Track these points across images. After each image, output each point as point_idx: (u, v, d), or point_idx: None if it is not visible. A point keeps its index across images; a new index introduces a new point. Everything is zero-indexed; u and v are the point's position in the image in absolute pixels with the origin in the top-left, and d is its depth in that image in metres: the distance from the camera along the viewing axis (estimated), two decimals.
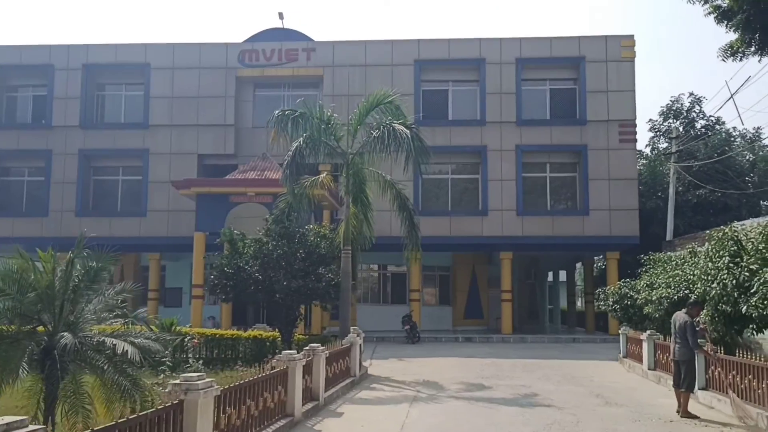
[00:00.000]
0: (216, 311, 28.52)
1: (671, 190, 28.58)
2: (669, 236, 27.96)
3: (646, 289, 16.63)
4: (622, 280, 20.15)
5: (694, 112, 34.99)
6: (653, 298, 15.32)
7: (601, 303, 20.62)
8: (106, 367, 7.12)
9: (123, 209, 31.01)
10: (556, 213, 29.52)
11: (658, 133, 36.26)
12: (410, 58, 30.11)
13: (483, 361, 19.33)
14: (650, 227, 30.14)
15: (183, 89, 30.63)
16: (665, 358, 14.87)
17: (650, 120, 36.48)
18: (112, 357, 7.27)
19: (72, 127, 30.61)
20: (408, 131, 15.73)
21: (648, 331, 15.88)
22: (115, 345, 7.10)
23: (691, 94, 35.24)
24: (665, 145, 36.54)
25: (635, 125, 29.69)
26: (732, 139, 34.03)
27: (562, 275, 42.72)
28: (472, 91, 30.89)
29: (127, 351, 6.93)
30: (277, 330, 17.59)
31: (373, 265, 32.85)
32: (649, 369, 15.61)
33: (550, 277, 43.14)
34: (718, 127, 33.89)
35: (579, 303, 41.21)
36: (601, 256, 35.30)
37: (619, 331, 19.38)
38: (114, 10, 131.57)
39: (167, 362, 11.19)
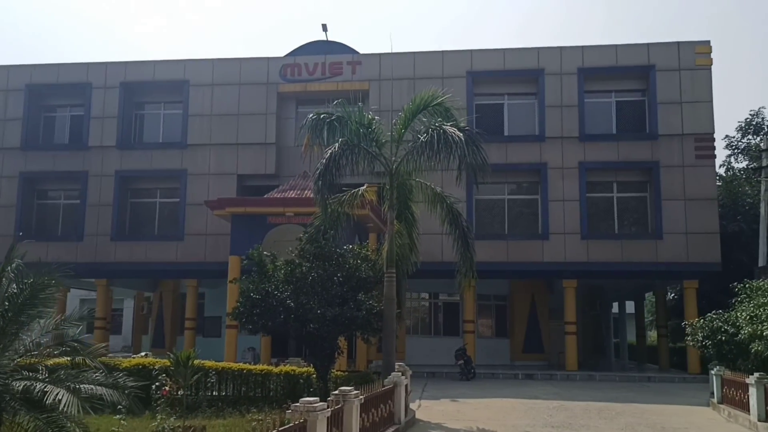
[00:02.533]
0: (256, 342, 26.50)
1: (763, 209, 25.40)
2: (762, 261, 24.76)
3: (751, 322, 13.85)
4: (713, 312, 17.29)
5: None
6: (765, 333, 12.55)
7: (688, 338, 17.75)
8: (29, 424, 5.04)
9: (160, 233, 29.50)
10: (624, 237, 26.66)
11: (735, 150, 33.10)
12: (462, 69, 27.97)
13: (549, 404, 16.68)
14: (732, 253, 26.96)
15: (222, 107, 29.14)
16: None
17: (726, 136, 33.32)
18: (43, 408, 5.20)
19: (109, 147, 29.39)
20: (461, 134, 13.49)
21: (757, 374, 13.07)
22: (45, 393, 5.01)
23: None
24: (743, 164, 33.40)
25: (713, 139, 26.76)
26: None
27: (629, 306, 39.52)
28: (530, 105, 28.54)
29: (60, 400, 4.84)
30: (312, 365, 15.37)
31: (423, 294, 30.47)
32: (759, 421, 12.77)
33: (615, 308, 39.99)
34: None
35: (649, 337, 37.93)
36: (677, 287, 32.12)
37: (712, 372, 16.50)
38: (153, 28, 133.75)
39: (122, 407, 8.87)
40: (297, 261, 15.17)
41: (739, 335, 15.11)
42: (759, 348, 13.29)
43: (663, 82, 26.85)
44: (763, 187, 25.68)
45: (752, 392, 13.00)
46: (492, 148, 25.60)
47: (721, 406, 15.67)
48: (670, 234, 25.88)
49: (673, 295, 33.34)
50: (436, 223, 25.22)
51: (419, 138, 14.17)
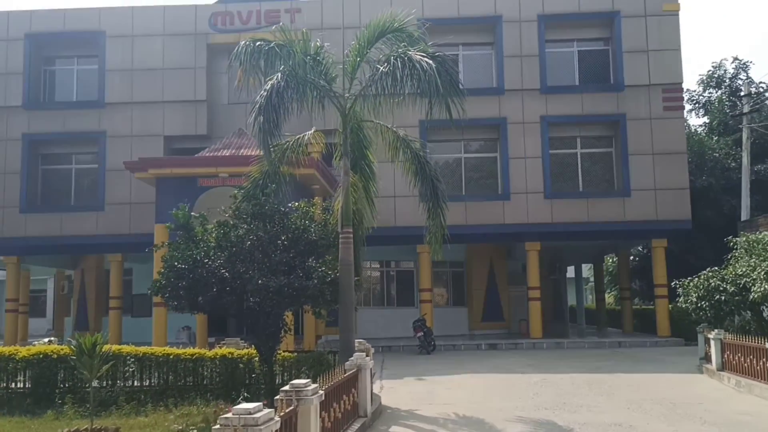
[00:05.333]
0: (192, 321, 23.73)
1: (745, 159, 23.87)
2: (745, 215, 23.25)
3: (765, 279, 12.01)
4: (709, 269, 15.45)
5: (740, 79, 30.36)
6: None
7: (680, 300, 15.92)
8: None
9: (77, 203, 26.19)
10: (590, 195, 24.78)
11: (697, 105, 31.65)
12: (413, 16, 25.27)
13: (529, 379, 14.62)
14: (699, 210, 25.46)
15: (145, 60, 25.82)
16: None
17: (687, 90, 31.81)
18: None
19: (14, 107, 25.75)
20: (431, 61, 11.03)
21: None
22: None
23: (736, 58, 30.61)
24: (703, 119, 32.05)
25: (682, 90, 25.09)
26: None
27: (584, 269, 38.26)
28: (486, 55, 26.25)
29: None
30: (254, 346, 12.84)
31: (375, 262, 28.08)
32: None
33: (570, 272, 38.65)
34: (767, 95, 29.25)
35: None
36: (642, 247, 30.70)
37: (710, 336, 14.69)
38: None
39: None
40: (232, 222, 12.52)
41: (750, 294, 13.31)
42: None
43: (628, 29, 24.92)
44: (744, 136, 24.18)
45: None
46: (445, 115, 23.45)
47: (722, 373, 13.89)
48: (638, 191, 24.17)
49: (634, 256, 31.95)
50: (389, 184, 23.36)
51: (378, 68, 11.63)
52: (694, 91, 31.85)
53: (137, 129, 25.64)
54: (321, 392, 6.75)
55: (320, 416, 7.17)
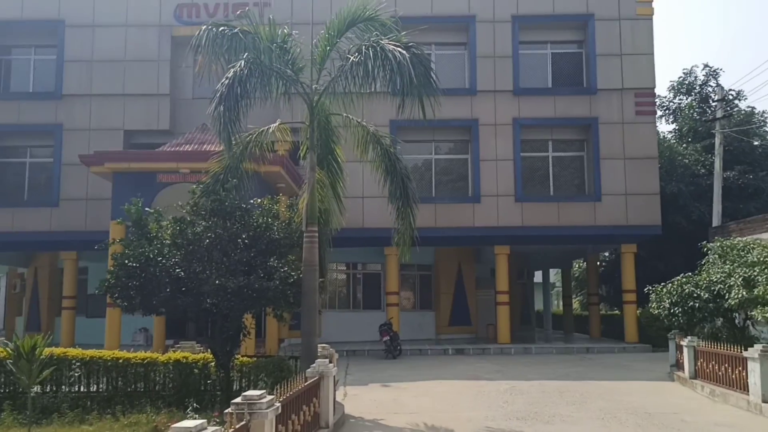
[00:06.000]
0: (150, 322, 22.80)
1: (717, 164, 23.71)
2: (716, 221, 23.09)
3: (743, 285, 11.68)
4: (683, 275, 15.14)
5: (710, 86, 30.42)
6: None
7: (652, 306, 15.59)
8: None
9: (31, 198, 25.03)
10: (561, 199, 24.46)
11: (667, 111, 31.65)
12: (386, 14, 24.71)
13: (498, 386, 14.12)
14: (669, 216, 25.33)
15: (106, 51, 24.84)
16: None
17: (658, 96, 31.77)
18: None
19: None
20: (405, 52, 10.44)
21: (759, 346, 10.84)
22: None
23: (706, 65, 30.66)
24: (672, 126, 32.06)
25: (654, 94, 24.99)
26: (756, 116, 29.44)
27: (551, 274, 38.15)
28: (459, 56, 25.78)
29: None
30: (210, 350, 12.09)
31: (341, 264, 27.41)
32: (763, 402, 10.57)
33: (538, 276, 38.47)
34: (737, 102, 29.31)
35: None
36: (610, 252, 30.50)
37: (683, 343, 14.35)
38: None
39: None
40: (189, 219, 11.78)
41: (726, 301, 13.01)
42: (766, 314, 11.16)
43: (602, 32, 24.70)
44: (717, 141, 24.03)
45: (753, 368, 10.79)
46: (417, 103, 22.91)
47: (695, 381, 13.56)
48: (608, 195, 23.93)
49: (601, 261, 31.77)
50: (358, 184, 22.73)
51: (348, 58, 11.00)
52: (665, 97, 31.89)
53: (96, 122, 24.65)
54: (277, 404, 6.10)
55: (276, 430, 6.52)
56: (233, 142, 11.04)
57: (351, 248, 25.05)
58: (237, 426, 5.34)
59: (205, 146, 20.23)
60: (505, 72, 24.67)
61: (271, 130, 12.05)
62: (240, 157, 11.94)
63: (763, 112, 29.85)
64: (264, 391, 5.92)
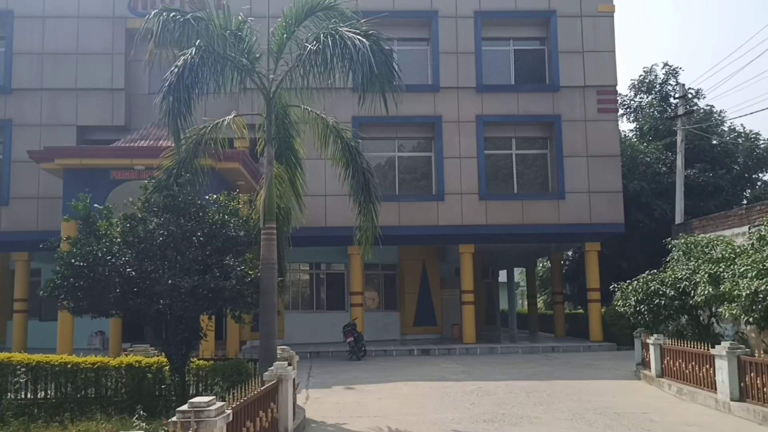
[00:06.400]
0: (107, 324, 22.02)
1: (679, 162, 23.76)
2: (679, 218, 23.13)
3: (712, 282, 11.54)
4: (648, 272, 15.01)
5: (670, 84, 30.66)
6: (743, 293, 10.15)
7: (618, 303, 15.44)
8: None
9: None
10: (525, 197, 24.29)
11: (628, 110, 31.81)
12: (346, 5, 24.26)
13: (464, 387, 13.78)
14: (631, 214, 25.40)
15: (57, 44, 23.94)
16: (762, 382, 9.73)
17: (619, 95, 31.93)
18: None
19: None
20: (365, 40, 10.02)
21: (727, 344, 10.68)
22: None
23: (666, 64, 30.92)
24: (633, 125, 32.26)
25: (616, 92, 25.04)
26: (715, 115, 29.73)
27: (515, 273, 38.13)
28: (422, 51, 25.47)
29: None
30: (164, 353, 11.50)
31: (303, 264, 26.87)
32: (732, 400, 10.41)
33: (502, 276, 38.41)
34: (696, 101, 29.56)
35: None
36: (574, 250, 30.51)
37: (649, 341, 14.19)
38: None
39: None
40: (140, 215, 11.18)
41: (691, 298, 12.88)
42: (734, 311, 11.00)
43: (564, 29, 24.64)
44: (679, 138, 24.10)
45: (721, 366, 10.62)
46: (379, 99, 22.49)
47: (662, 380, 13.40)
48: (572, 193, 23.85)
49: (565, 260, 31.79)
50: (320, 182, 22.27)
51: (306, 47, 10.53)
52: (626, 95, 32.05)
53: (47, 118, 23.73)
54: (228, 411, 5.62)
55: None
56: (183, 136, 10.45)
57: (314, 248, 24.55)
58: None
59: (161, 142, 19.51)
60: (468, 68, 24.43)
61: (226, 123, 11.52)
62: (194, 151, 11.38)
63: (721, 111, 30.24)
64: (212, 397, 5.44)
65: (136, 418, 8.26)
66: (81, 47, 23.99)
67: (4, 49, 24.18)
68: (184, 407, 5.27)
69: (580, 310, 29.64)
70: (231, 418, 5.74)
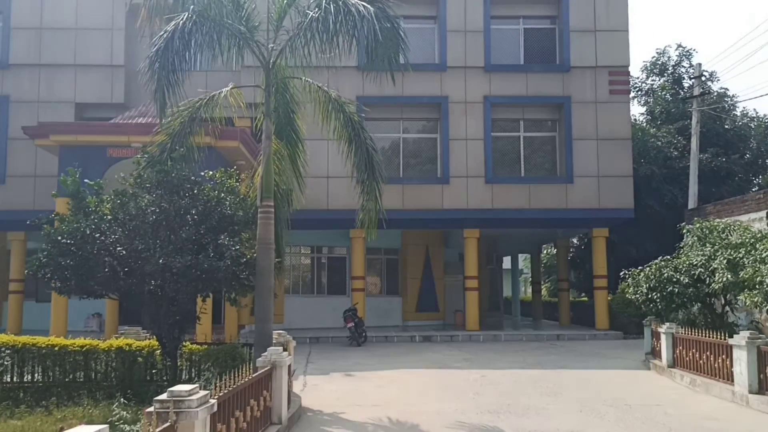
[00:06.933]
0: (103, 306, 21.55)
1: (694, 144, 23.09)
2: (692, 203, 22.50)
3: (727, 268, 10.99)
4: (661, 258, 14.45)
5: (683, 66, 29.92)
6: (766, 279, 9.61)
7: (628, 291, 14.89)
8: None
9: None
10: (532, 181, 23.69)
11: (639, 93, 31.09)
12: None
13: (468, 376, 13.30)
14: (641, 199, 24.77)
15: (56, 19, 23.40)
16: None
17: (630, 77, 31.20)
18: None
19: None
20: (371, 7, 9.43)
21: (746, 334, 10.14)
22: None
23: (679, 45, 30.12)
24: (644, 108, 31.55)
25: (628, 73, 24.31)
26: (728, 98, 29.01)
27: (518, 260, 37.53)
28: (429, 30, 24.75)
29: None
30: (156, 337, 11.02)
31: (305, 247, 26.39)
32: (751, 393, 9.89)
33: (506, 262, 37.91)
34: (710, 83, 28.81)
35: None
36: (581, 236, 29.91)
37: (660, 330, 13.66)
38: None
39: None
40: (132, 191, 10.66)
41: (708, 285, 12.34)
42: (756, 299, 10.46)
43: (576, 7, 23.89)
44: (694, 120, 23.41)
45: (740, 356, 10.09)
46: (384, 79, 21.80)
47: (674, 370, 12.89)
48: (581, 177, 23.23)
49: (569, 247, 31.21)
50: (322, 163, 21.71)
51: (308, 14, 9.93)
52: (637, 78, 31.31)
53: (45, 94, 23.23)
54: (212, 401, 5.11)
55: (215, 430, 5.55)
56: (174, 109, 9.90)
57: (315, 231, 24.06)
58: (157, 430, 4.35)
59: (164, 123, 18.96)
60: (477, 47, 23.75)
61: (223, 95, 10.94)
62: (189, 125, 10.81)
63: (734, 95, 29.52)
64: (195, 386, 4.93)
65: (116, 406, 7.77)
66: (80, 22, 23.44)
67: (2, 24, 23.66)
68: (163, 396, 4.77)
69: (585, 298, 29.14)
70: (216, 409, 5.23)
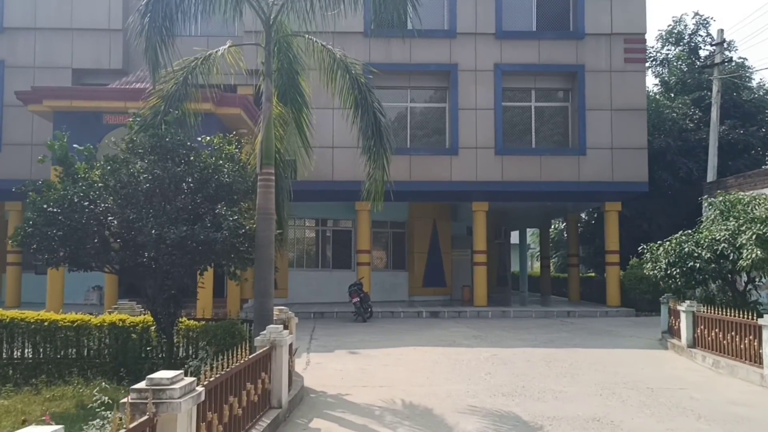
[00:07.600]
0: (102, 279, 21.03)
1: (714, 114, 22.25)
2: (711, 175, 21.73)
3: (756, 244, 10.32)
4: (682, 232, 13.76)
5: (700, 35, 28.91)
6: None
7: (647, 266, 14.22)
8: None
9: None
10: (544, 152, 22.92)
11: (654, 62, 30.09)
12: None
13: (478, 355, 12.72)
14: (654, 173, 24.00)
15: None
16: None
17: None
18: None
19: None
20: None
21: None
22: None
23: (696, 14, 29.01)
24: (657, 80, 30.61)
25: (645, 41, 23.34)
26: (747, 68, 28.04)
27: (526, 234, 36.85)
28: None
29: None
30: (150, 312, 10.43)
31: (309, 220, 25.78)
32: None
33: (514, 237, 37.27)
34: (728, 53, 27.80)
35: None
36: (592, 210, 29.16)
37: (680, 308, 13.03)
38: None
39: None
40: (123, 157, 9.99)
41: (733, 262, 11.67)
42: None
43: None
44: (714, 89, 22.56)
45: None
46: (392, 45, 20.94)
47: (694, 351, 12.28)
48: (594, 149, 22.47)
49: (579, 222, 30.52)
50: (327, 132, 20.99)
51: None
52: (652, 47, 30.27)
53: (41, 59, 22.47)
54: (199, 390, 4.50)
55: (205, 419, 4.95)
56: (164, 67, 9.19)
57: (320, 203, 23.46)
58: (132, 425, 3.73)
59: (158, 85, 18.22)
60: (488, 13, 22.86)
61: (220, 53, 10.21)
62: (183, 86, 10.10)
63: (750, 67, 28.56)
64: (179, 372, 4.31)
65: (96, 391, 7.19)
66: None
67: None
68: (141, 385, 4.15)
69: (593, 274, 28.52)
70: (203, 398, 4.62)
